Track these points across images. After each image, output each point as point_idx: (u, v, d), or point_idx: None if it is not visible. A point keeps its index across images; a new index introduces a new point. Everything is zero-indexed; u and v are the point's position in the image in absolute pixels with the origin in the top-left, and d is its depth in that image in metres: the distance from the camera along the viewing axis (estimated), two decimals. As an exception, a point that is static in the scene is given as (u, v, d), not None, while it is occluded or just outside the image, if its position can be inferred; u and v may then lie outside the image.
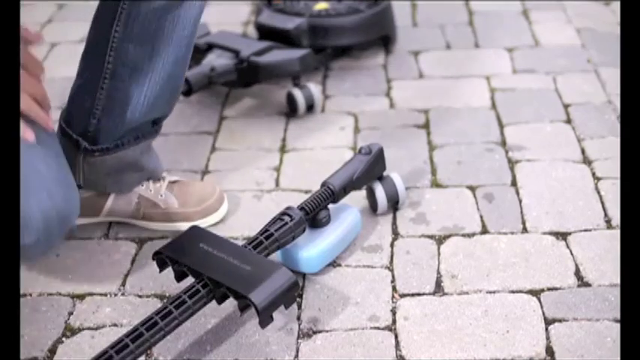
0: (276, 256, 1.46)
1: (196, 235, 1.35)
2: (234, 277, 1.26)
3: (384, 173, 1.58)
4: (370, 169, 1.55)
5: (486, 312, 1.38)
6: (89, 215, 1.60)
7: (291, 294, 1.27)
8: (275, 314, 1.35)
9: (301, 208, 1.44)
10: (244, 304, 1.28)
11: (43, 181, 1.20)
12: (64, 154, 1.26)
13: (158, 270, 1.36)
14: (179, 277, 1.34)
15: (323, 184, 1.49)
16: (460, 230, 1.57)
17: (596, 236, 1.54)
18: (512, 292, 1.42)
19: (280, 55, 2.00)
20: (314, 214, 1.46)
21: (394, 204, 1.60)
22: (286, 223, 1.40)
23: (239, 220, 1.63)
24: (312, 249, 1.43)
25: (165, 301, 1.28)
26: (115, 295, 1.46)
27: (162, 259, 1.34)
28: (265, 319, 1.24)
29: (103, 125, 1.48)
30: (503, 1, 2.48)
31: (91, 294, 1.45)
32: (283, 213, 1.42)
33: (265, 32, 2.13)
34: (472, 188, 1.69)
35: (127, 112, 1.47)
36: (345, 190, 1.51)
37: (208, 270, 1.27)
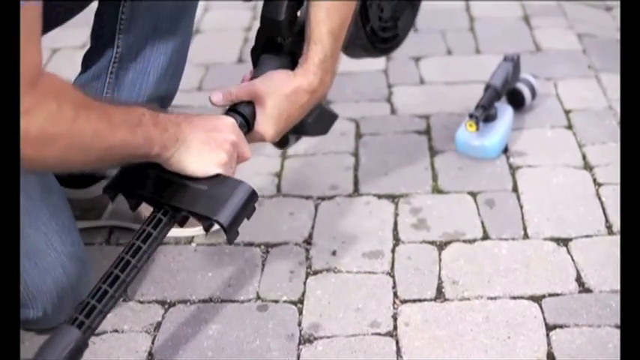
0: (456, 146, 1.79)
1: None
2: (193, 201, 1.24)
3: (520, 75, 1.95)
4: (515, 73, 1.91)
5: (487, 318, 1.38)
6: (91, 218, 1.60)
7: (251, 205, 1.26)
8: (276, 321, 1.35)
9: (481, 106, 1.77)
10: (208, 224, 1.27)
11: (59, 257, 1.29)
12: None
13: (111, 202, 1.31)
14: (134, 207, 1.31)
15: (487, 87, 1.83)
16: (461, 236, 1.57)
17: (598, 242, 1.54)
18: (514, 298, 1.42)
19: None
20: (487, 111, 1.79)
21: (533, 96, 1.94)
22: None
23: (240, 226, 1.62)
24: (493, 137, 1.78)
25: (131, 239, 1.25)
26: (116, 300, 1.46)
27: (114, 194, 1.30)
28: (233, 235, 1.24)
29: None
30: (504, 7, 2.48)
31: (92, 300, 1.44)
32: None
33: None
34: (473, 194, 1.69)
35: (135, 88, 1.47)
36: (503, 89, 1.85)
37: (165, 197, 1.25)
